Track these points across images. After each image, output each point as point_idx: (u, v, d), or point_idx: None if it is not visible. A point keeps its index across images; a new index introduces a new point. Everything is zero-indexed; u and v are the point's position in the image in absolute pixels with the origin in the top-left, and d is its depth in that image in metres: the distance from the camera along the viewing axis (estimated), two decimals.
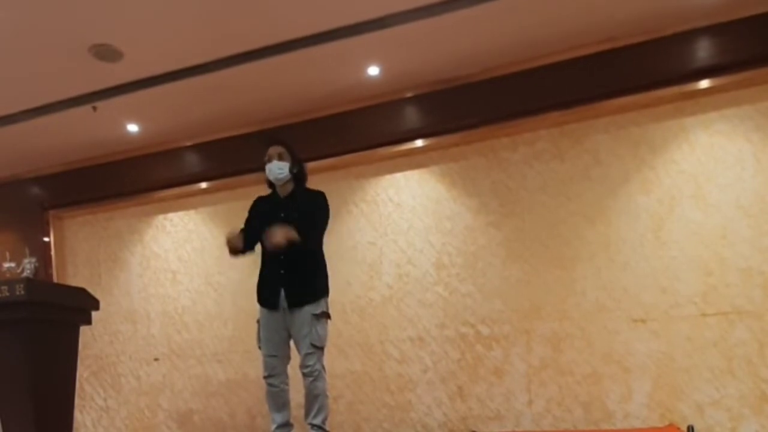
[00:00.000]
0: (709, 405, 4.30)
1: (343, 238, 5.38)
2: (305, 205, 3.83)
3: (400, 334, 5.12)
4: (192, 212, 6.00)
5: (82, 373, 5.83)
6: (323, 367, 3.72)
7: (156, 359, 6.00)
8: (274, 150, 3.85)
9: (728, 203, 4.39)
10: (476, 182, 5.03)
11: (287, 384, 3.85)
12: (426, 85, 5.05)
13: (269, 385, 3.79)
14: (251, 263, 5.63)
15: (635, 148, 4.64)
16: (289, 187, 3.90)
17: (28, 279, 4.39)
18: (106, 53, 4.42)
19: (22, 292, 3.88)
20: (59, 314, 4.24)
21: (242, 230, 3.89)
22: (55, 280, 6.19)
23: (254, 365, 5.60)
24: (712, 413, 4.29)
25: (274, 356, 3.78)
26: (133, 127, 5.59)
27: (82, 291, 4.53)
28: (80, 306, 4.46)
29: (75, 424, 4.47)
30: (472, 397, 4.88)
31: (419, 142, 5.12)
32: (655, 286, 4.50)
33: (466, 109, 4.97)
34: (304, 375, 3.69)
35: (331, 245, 5.40)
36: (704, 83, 4.42)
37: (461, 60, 4.77)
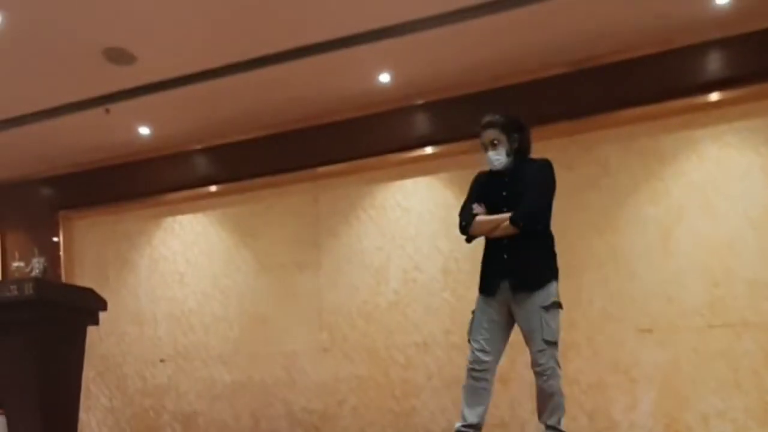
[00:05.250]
0: (714, 416, 4.29)
1: (351, 242, 5.39)
2: (527, 181, 3.39)
3: (405, 340, 5.12)
4: (200, 215, 6.03)
5: (87, 373, 5.82)
6: (558, 364, 3.29)
7: (162, 361, 6.02)
8: (486, 137, 3.41)
9: (736, 215, 4.38)
10: None
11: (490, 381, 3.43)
12: (436, 93, 5.07)
13: (471, 378, 3.36)
14: (259, 268, 5.71)
15: (644, 158, 4.64)
16: (510, 163, 3.43)
17: (36, 279, 4.41)
18: (119, 57, 4.47)
19: (31, 292, 3.89)
20: (67, 314, 4.25)
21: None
22: (63, 280, 6.21)
23: (259, 368, 5.63)
24: (718, 424, 4.28)
25: (483, 350, 3.37)
26: (144, 130, 5.64)
27: (90, 291, 4.54)
28: (88, 306, 4.47)
29: (80, 424, 4.48)
30: None
31: (429, 149, 5.14)
32: (662, 296, 4.50)
33: (476, 117, 4.98)
34: (537, 374, 3.31)
35: (339, 250, 5.45)
36: (715, 96, 4.43)
37: (472, 68, 4.79)
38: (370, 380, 5.22)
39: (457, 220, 5.07)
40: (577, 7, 4.12)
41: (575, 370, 4.64)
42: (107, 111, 5.07)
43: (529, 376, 4.71)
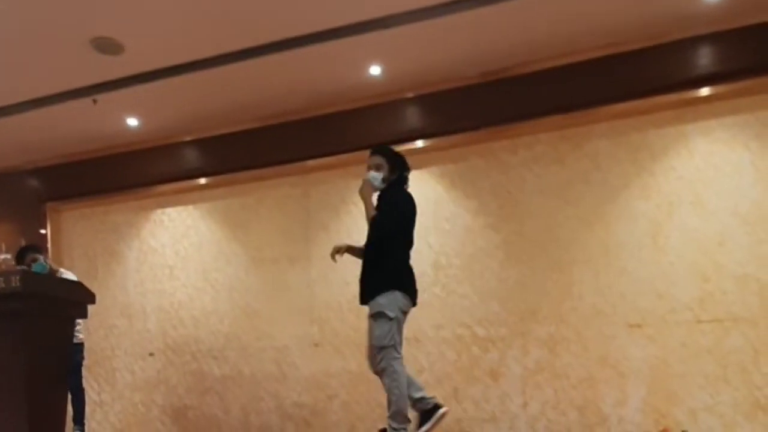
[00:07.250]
0: (702, 411, 4.31)
1: (341, 236, 5.36)
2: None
3: None
4: (190, 207, 5.99)
5: None
6: (391, 366, 3.60)
7: (151, 354, 5.99)
8: (371, 161, 4.02)
9: (726, 210, 4.40)
10: (475, 184, 5.03)
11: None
12: (427, 86, 5.05)
13: None
14: (249, 261, 5.68)
15: (635, 153, 4.65)
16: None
17: (23, 271, 4.36)
18: (107, 46, 4.41)
19: (18, 284, 3.84)
20: (55, 307, 4.21)
21: None
22: None
23: (249, 362, 5.61)
24: (706, 419, 4.30)
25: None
26: (132, 121, 5.58)
27: (78, 284, 4.51)
28: (76, 299, 4.43)
29: (68, 418, 4.46)
30: (467, 398, 4.88)
31: (419, 143, 5.12)
32: (652, 291, 4.51)
33: (467, 111, 4.98)
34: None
35: (329, 243, 5.38)
36: (705, 91, 4.44)
37: (463, 61, 4.77)
38: (361, 375, 5.20)
39: (446, 214, 5.12)
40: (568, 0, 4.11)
41: (564, 364, 4.66)
42: (95, 101, 5.01)
43: (519, 370, 4.78)
